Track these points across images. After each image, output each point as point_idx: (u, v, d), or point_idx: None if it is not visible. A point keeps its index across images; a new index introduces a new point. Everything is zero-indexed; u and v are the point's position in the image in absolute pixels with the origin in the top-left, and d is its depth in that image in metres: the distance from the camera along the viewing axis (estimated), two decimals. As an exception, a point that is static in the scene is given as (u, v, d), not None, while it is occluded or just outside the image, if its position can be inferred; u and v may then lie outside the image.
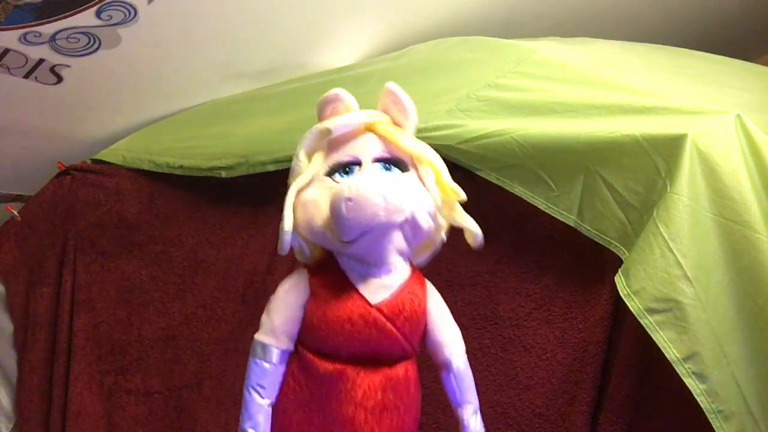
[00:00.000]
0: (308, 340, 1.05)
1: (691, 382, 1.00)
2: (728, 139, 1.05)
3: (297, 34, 1.76)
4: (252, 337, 1.61)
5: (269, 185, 1.61)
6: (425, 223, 1.00)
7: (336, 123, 1.06)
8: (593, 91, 1.22)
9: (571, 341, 1.24)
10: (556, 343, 1.26)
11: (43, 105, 1.76)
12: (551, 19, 1.98)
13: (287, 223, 1.02)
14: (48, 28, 1.48)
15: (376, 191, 0.95)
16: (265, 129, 1.63)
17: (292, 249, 1.07)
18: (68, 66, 1.63)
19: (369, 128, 1.07)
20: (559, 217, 1.19)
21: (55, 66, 1.62)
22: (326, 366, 1.02)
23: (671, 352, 1.01)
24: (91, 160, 1.86)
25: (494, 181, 1.26)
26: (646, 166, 1.09)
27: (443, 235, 1.09)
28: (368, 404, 1.01)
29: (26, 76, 1.63)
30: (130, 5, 1.47)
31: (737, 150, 1.05)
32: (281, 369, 1.07)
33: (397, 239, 1.01)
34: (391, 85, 1.10)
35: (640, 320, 1.03)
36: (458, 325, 1.33)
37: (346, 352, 1.02)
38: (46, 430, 1.74)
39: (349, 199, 0.95)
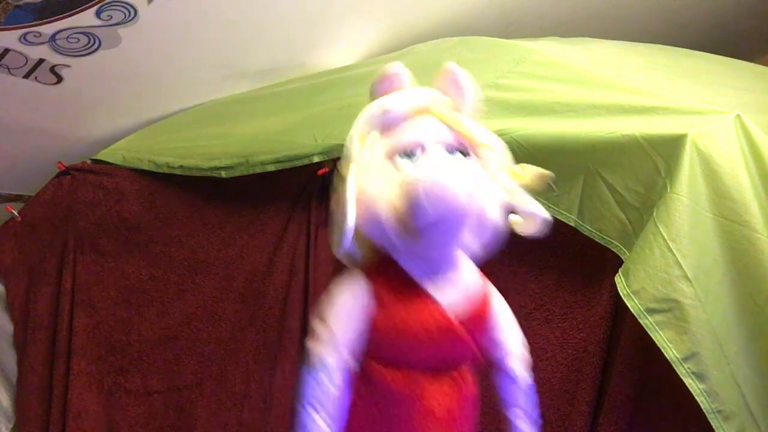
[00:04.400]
0: (377, 351, 0.96)
1: (690, 382, 1.00)
2: (728, 139, 1.05)
3: (297, 34, 1.76)
4: (253, 337, 1.63)
5: (269, 185, 1.61)
6: (494, 215, 0.92)
7: (394, 102, 0.98)
8: (593, 91, 1.22)
9: (571, 341, 1.24)
10: (556, 343, 1.26)
11: (43, 105, 1.76)
12: (551, 19, 1.98)
13: (350, 218, 0.92)
14: (48, 28, 1.48)
15: (455, 177, 0.88)
16: (265, 129, 1.63)
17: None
18: (68, 66, 1.63)
19: (426, 111, 0.99)
20: (559, 217, 1.19)
21: (55, 66, 1.62)
22: (394, 375, 0.95)
23: (671, 352, 1.00)
24: (91, 160, 1.86)
25: (494, 181, 1.25)
26: (646, 166, 1.09)
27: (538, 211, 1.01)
28: (439, 411, 0.95)
29: (26, 76, 1.63)
30: (130, 5, 1.47)
31: (737, 150, 1.05)
32: (345, 392, 0.96)
33: (466, 233, 0.92)
34: (452, 65, 1.01)
35: (639, 320, 1.03)
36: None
37: (416, 359, 0.95)
38: (46, 430, 1.74)
39: (429, 184, 0.86)
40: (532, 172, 0.99)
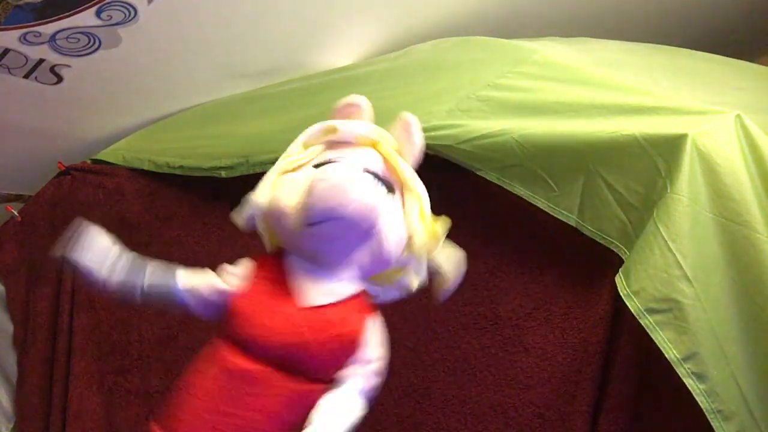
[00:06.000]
0: (230, 331, 1.02)
1: (690, 382, 1.00)
2: (728, 139, 1.05)
3: (297, 34, 1.76)
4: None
5: (269, 185, 1.61)
6: (392, 244, 0.99)
7: (345, 125, 1.06)
8: (593, 91, 1.22)
9: (571, 341, 1.24)
10: (556, 343, 1.26)
11: (43, 105, 1.76)
12: (551, 19, 1.98)
13: (259, 196, 1.02)
14: (48, 28, 1.48)
15: (356, 185, 0.94)
16: (265, 129, 1.63)
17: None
18: (68, 66, 1.63)
19: (372, 144, 1.06)
20: (559, 217, 1.19)
21: (55, 66, 1.62)
22: (237, 361, 0.98)
23: (671, 352, 1.00)
24: (91, 160, 1.86)
25: (494, 181, 1.25)
26: (646, 166, 1.09)
27: (414, 282, 1.06)
28: (266, 410, 0.97)
29: (26, 76, 1.63)
30: (130, 5, 1.47)
31: (737, 150, 1.05)
32: (174, 297, 1.05)
33: (358, 247, 0.99)
34: (408, 116, 1.10)
35: (639, 320, 1.03)
36: (458, 325, 1.33)
37: (260, 346, 0.98)
38: (46, 430, 1.74)
39: (326, 180, 0.94)
40: (442, 227, 1.05)
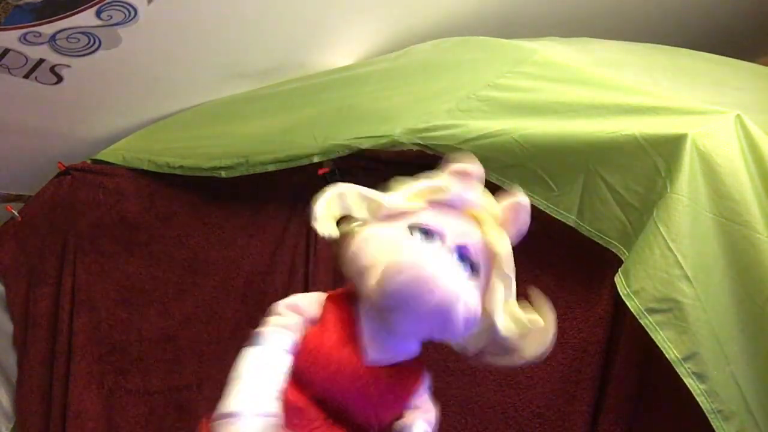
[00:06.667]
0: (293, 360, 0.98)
1: (691, 382, 1.00)
2: (728, 139, 1.05)
3: (297, 34, 1.76)
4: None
5: (269, 185, 1.61)
6: (462, 326, 0.92)
7: (455, 189, 0.99)
8: (593, 91, 1.22)
9: (571, 341, 1.24)
10: (556, 343, 1.26)
11: (43, 105, 1.76)
12: (551, 19, 1.98)
13: (320, 208, 0.95)
14: (48, 28, 1.48)
15: (436, 281, 0.87)
16: (265, 129, 1.63)
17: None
18: (68, 66, 1.63)
19: (474, 217, 1.00)
20: (559, 217, 1.19)
21: (55, 66, 1.62)
22: (293, 395, 0.95)
23: (671, 352, 1.00)
24: (91, 160, 1.86)
25: (494, 181, 1.25)
26: (646, 166, 1.09)
27: (470, 349, 1.02)
28: None
29: (26, 76, 1.63)
30: (130, 5, 1.47)
31: (737, 150, 1.05)
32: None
33: (427, 328, 0.94)
34: (523, 199, 1.01)
35: (639, 320, 1.03)
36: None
37: (318, 388, 0.96)
38: (46, 430, 1.74)
39: (407, 273, 0.87)
40: (528, 320, 1.00)
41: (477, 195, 1.01)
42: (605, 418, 1.16)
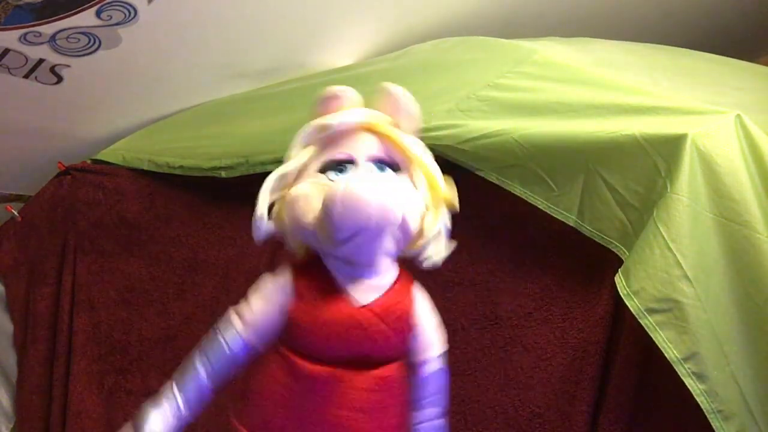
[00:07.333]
0: (294, 343, 1.02)
1: (691, 382, 1.00)
2: (728, 139, 1.05)
3: (297, 34, 1.76)
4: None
5: (269, 185, 1.61)
6: (414, 226, 0.99)
7: (336, 119, 1.04)
8: (593, 91, 1.22)
9: (571, 341, 1.24)
10: (556, 343, 1.26)
11: (43, 105, 1.76)
12: (551, 19, 1.98)
13: (260, 208, 1.04)
14: (48, 28, 1.48)
15: (370, 193, 0.93)
16: (265, 129, 1.63)
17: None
18: (68, 66, 1.63)
19: (367, 128, 1.05)
20: (559, 217, 1.19)
21: (55, 66, 1.62)
22: (315, 368, 1.00)
23: (671, 352, 1.00)
24: (91, 160, 1.86)
25: (494, 181, 1.26)
26: (646, 166, 1.09)
27: (441, 227, 1.06)
28: (358, 405, 0.99)
29: (26, 76, 1.63)
30: (130, 5, 1.47)
31: (737, 150, 1.05)
32: (238, 359, 1.04)
33: (387, 241, 0.99)
34: (390, 87, 1.07)
35: (639, 320, 1.03)
36: (458, 325, 1.33)
37: (335, 354, 1.00)
38: (46, 430, 1.74)
39: (343, 199, 0.92)
40: (452, 191, 1.05)
41: (356, 112, 1.06)
42: (605, 418, 1.16)
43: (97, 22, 1.49)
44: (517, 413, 1.28)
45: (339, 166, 1.02)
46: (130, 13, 1.49)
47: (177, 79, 1.80)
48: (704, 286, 1.01)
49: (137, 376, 1.73)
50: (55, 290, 1.79)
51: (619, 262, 1.11)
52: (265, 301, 1.05)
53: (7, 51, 1.53)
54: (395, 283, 1.04)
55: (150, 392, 1.73)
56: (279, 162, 1.52)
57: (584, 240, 1.18)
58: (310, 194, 1.00)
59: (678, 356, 1.00)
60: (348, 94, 1.08)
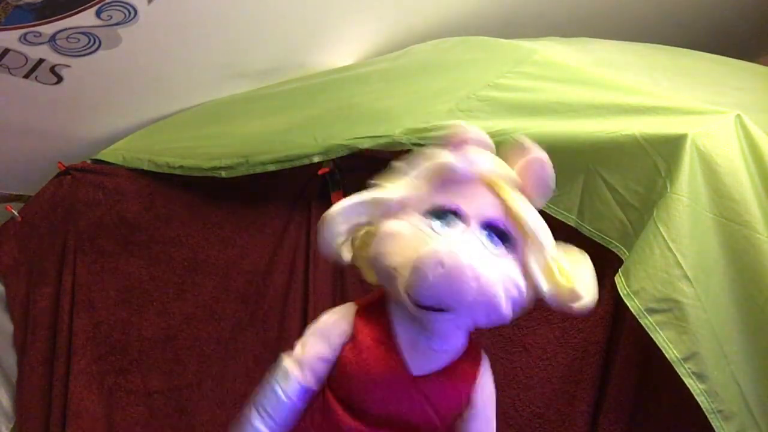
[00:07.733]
0: (337, 386, 0.95)
1: (691, 382, 1.00)
2: (728, 139, 1.05)
3: (297, 34, 1.76)
4: (253, 337, 1.62)
5: (269, 185, 1.61)
6: (506, 314, 0.87)
7: (461, 164, 0.90)
8: (593, 91, 1.22)
9: (571, 341, 1.24)
10: (556, 343, 1.26)
11: (43, 105, 1.76)
12: (551, 19, 1.98)
13: (338, 225, 0.90)
14: (48, 28, 1.48)
15: (474, 269, 0.80)
16: (265, 129, 1.63)
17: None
18: (68, 66, 1.63)
19: (490, 184, 0.90)
20: (559, 217, 1.19)
21: (55, 66, 1.62)
22: (352, 425, 0.92)
23: (671, 352, 1.00)
24: (91, 160, 1.86)
25: (494, 181, 1.25)
26: (646, 166, 1.09)
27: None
28: None
29: (26, 76, 1.63)
30: (130, 5, 1.47)
31: (737, 150, 1.05)
32: (297, 406, 0.96)
33: (468, 320, 0.90)
34: (539, 153, 0.92)
35: (640, 320, 1.03)
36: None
37: (376, 413, 0.92)
38: (46, 430, 1.74)
39: (442, 266, 0.80)
40: (569, 283, 0.91)
41: (484, 160, 0.92)
42: (605, 418, 1.16)
43: (97, 22, 1.49)
44: (517, 413, 1.28)
45: (446, 215, 0.89)
46: (130, 13, 1.49)
47: (177, 79, 1.80)
48: (704, 286, 1.01)
49: (137, 376, 1.73)
50: (55, 290, 1.79)
51: (619, 262, 1.11)
52: (325, 344, 0.96)
53: (7, 51, 1.53)
54: (461, 358, 0.95)
55: (150, 392, 1.75)
56: (279, 162, 1.54)
57: (584, 240, 1.17)
58: (406, 238, 0.87)
59: (678, 356, 1.00)
60: (481, 138, 0.94)
